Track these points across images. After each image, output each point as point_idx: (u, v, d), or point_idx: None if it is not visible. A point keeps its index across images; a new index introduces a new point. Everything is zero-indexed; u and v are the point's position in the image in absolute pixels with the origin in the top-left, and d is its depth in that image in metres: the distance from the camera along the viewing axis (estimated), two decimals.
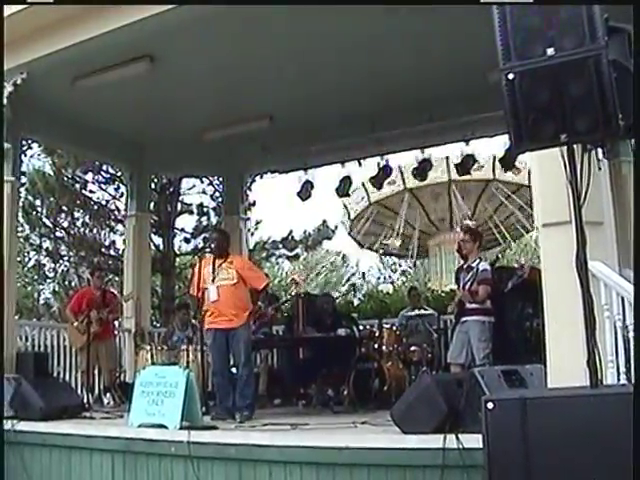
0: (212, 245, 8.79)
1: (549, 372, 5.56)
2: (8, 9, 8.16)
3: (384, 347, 10.16)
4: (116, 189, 22.35)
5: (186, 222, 23.56)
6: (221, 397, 8.32)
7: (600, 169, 5.20)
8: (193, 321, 10.94)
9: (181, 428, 6.68)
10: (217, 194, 22.64)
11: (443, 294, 16.64)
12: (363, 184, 24.07)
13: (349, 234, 27.98)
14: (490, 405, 4.07)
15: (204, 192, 23.36)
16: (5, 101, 9.20)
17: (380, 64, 9.92)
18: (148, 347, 10.44)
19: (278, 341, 11.07)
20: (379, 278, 44.54)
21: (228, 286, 8.35)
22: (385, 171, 12.93)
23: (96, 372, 11.12)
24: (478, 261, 8.90)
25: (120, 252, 20.86)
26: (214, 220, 22.70)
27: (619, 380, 5.38)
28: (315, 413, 8.97)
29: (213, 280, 8.40)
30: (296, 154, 12.69)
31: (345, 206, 25.81)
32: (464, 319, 8.70)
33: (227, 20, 8.39)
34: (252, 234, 23.36)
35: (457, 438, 5.14)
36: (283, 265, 39.78)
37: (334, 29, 8.93)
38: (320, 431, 6.65)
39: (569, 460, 3.84)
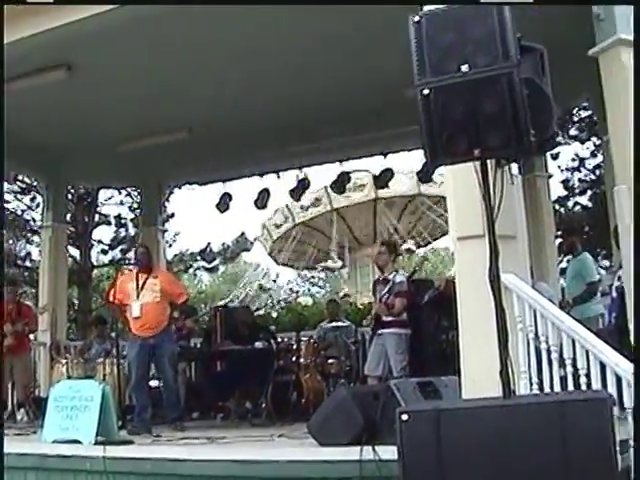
0: (138, 260, 8.82)
1: (463, 383, 5.64)
2: None
3: (302, 359, 10.19)
4: (32, 199, 22.02)
5: (103, 233, 23.37)
6: (139, 410, 8.24)
7: (513, 183, 5.30)
8: (112, 334, 10.79)
9: (96, 443, 6.57)
10: (135, 205, 22.48)
11: (361, 306, 16.73)
12: (287, 205, 24.34)
13: (270, 254, 28.22)
14: (404, 417, 4.11)
15: (122, 203, 23.24)
16: None
17: (298, 76, 9.95)
18: (64, 361, 10.27)
19: (196, 354, 11.02)
20: (298, 292, 44.81)
21: (152, 304, 8.37)
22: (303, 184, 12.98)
23: (9, 387, 10.86)
24: (394, 274, 8.93)
25: (36, 264, 20.51)
26: (132, 232, 22.53)
27: (531, 390, 5.49)
28: (233, 426, 8.92)
29: (137, 296, 8.38)
30: (214, 166, 12.66)
31: (264, 226, 25.98)
32: (381, 331, 8.72)
33: (145, 29, 8.31)
34: (170, 246, 23.30)
35: (374, 450, 5.16)
36: (202, 277, 39.63)
37: (253, 36, 8.90)
38: (238, 444, 6.62)
39: (483, 469, 3.91)
